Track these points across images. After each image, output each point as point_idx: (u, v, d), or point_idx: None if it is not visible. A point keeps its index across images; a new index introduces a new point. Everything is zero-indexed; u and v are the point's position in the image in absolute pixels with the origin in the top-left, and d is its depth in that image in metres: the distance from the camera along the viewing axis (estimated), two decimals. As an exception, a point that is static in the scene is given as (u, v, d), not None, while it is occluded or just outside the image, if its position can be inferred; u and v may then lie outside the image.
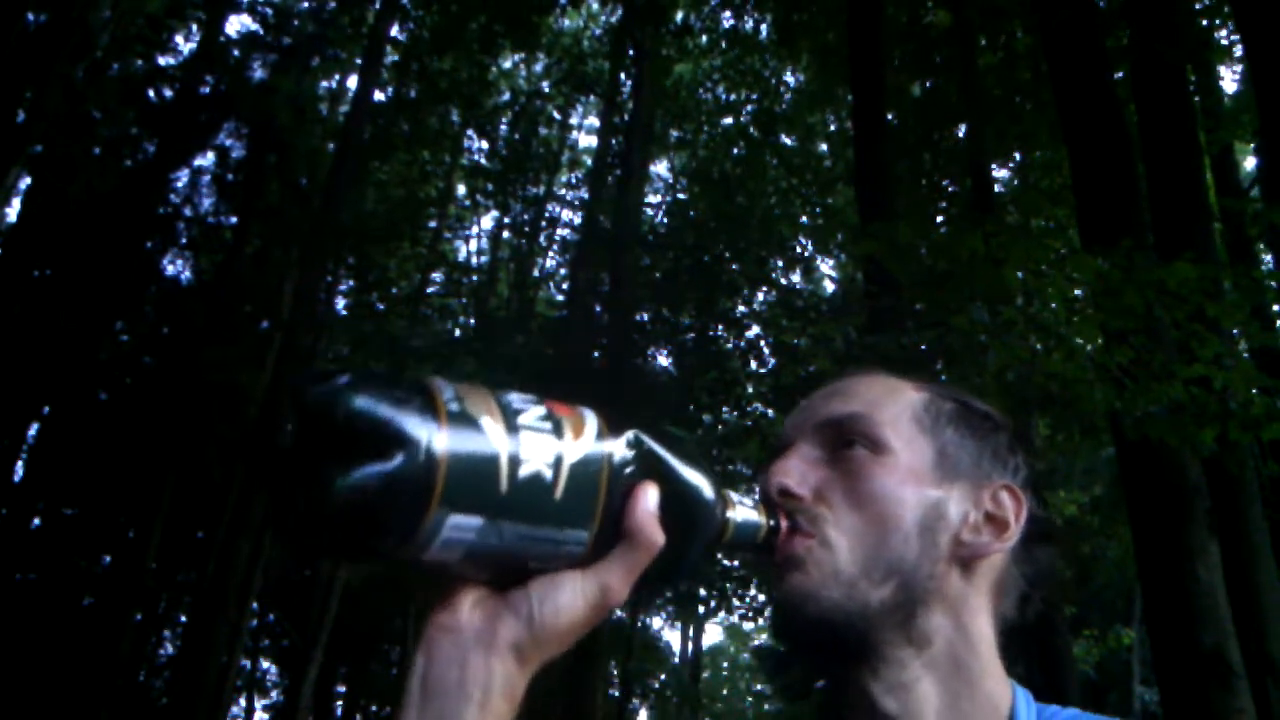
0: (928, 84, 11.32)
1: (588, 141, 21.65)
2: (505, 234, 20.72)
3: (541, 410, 0.59)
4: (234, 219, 16.35)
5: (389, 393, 0.53)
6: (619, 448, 0.62)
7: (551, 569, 0.61)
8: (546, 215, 19.76)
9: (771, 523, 0.74)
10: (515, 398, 0.59)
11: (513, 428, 0.57)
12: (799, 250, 16.69)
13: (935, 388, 0.87)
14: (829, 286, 18.38)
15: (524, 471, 0.56)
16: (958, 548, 0.79)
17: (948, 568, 0.79)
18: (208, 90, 15.87)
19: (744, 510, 0.71)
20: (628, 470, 0.62)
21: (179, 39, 16.49)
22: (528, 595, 0.61)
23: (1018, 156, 11.75)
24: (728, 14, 15.30)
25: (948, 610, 0.79)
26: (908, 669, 0.77)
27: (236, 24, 26.44)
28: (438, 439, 0.53)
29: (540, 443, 0.57)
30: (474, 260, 20.74)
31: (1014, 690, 0.81)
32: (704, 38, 15.66)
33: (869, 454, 0.80)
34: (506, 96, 19.11)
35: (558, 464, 0.58)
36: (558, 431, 0.59)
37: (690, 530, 0.66)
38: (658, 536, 0.62)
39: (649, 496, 0.62)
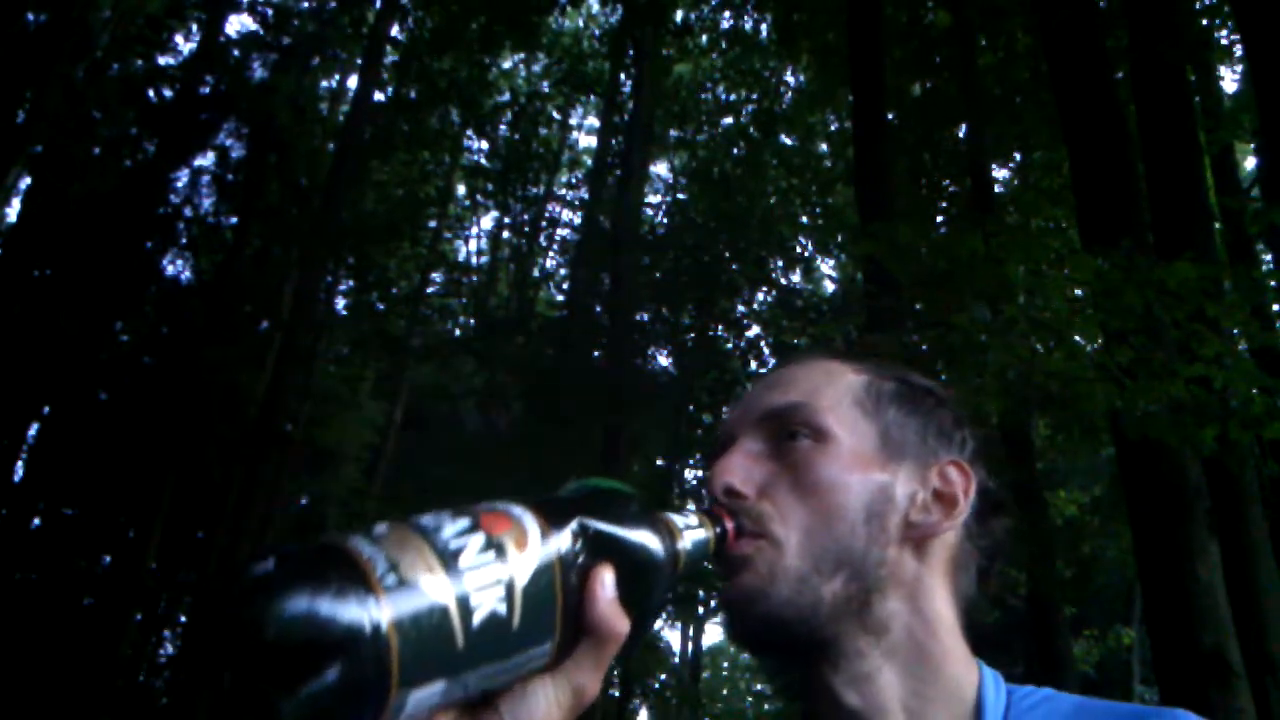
0: (928, 84, 11.32)
1: (588, 141, 21.68)
2: (505, 234, 20.73)
3: (480, 539, 0.54)
4: (234, 219, 16.36)
5: (317, 587, 0.48)
6: (565, 541, 0.57)
7: (518, 682, 0.57)
8: (546, 215, 19.78)
9: (718, 530, 0.72)
10: (449, 532, 0.53)
11: (455, 573, 0.52)
12: (799, 250, 16.68)
13: (875, 367, 0.85)
14: (829, 286, 18.39)
15: (478, 618, 0.52)
16: (908, 529, 0.78)
17: (899, 551, 0.77)
18: (208, 90, 15.88)
19: (690, 533, 0.68)
20: (579, 561, 0.58)
21: (179, 39, 16.52)
22: (499, 715, 0.57)
23: (1018, 157, 11.75)
24: (728, 14, 15.31)
25: (903, 595, 0.77)
26: (867, 659, 0.76)
27: (236, 24, 26.44)
28: (382, 620, 0.48)
29: (487, 577, 0.53)
30: (474, 260, 20.75)
31: (981, 671, 0.79)
32: (704, 38, 15.66)
33: (812, 443, 0.78)
34: (506, 96, 19.11)
35: (510, 593, 0.54)
36: (501, 555, 0.54)
37: (649, 593, 0.63)
38: (621, 625, 0.58)
39: (605, 585, 0.58)
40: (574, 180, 21.08)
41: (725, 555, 0.74)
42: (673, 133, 18.40)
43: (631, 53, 16.47)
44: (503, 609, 0.53)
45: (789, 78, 16.36)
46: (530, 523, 0.57)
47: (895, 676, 0.76)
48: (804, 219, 16.01)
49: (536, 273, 20.41)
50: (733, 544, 0.74)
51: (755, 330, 14.72)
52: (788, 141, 16.45)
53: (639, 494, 0.64)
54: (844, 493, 0.76)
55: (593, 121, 20.94)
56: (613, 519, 0.61)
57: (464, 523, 0.54)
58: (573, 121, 21.42)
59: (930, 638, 0.77)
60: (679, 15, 13.90)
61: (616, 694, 18.30)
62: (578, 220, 19.03)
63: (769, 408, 0.81)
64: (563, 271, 19.72)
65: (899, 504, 0.78)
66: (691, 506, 0.73)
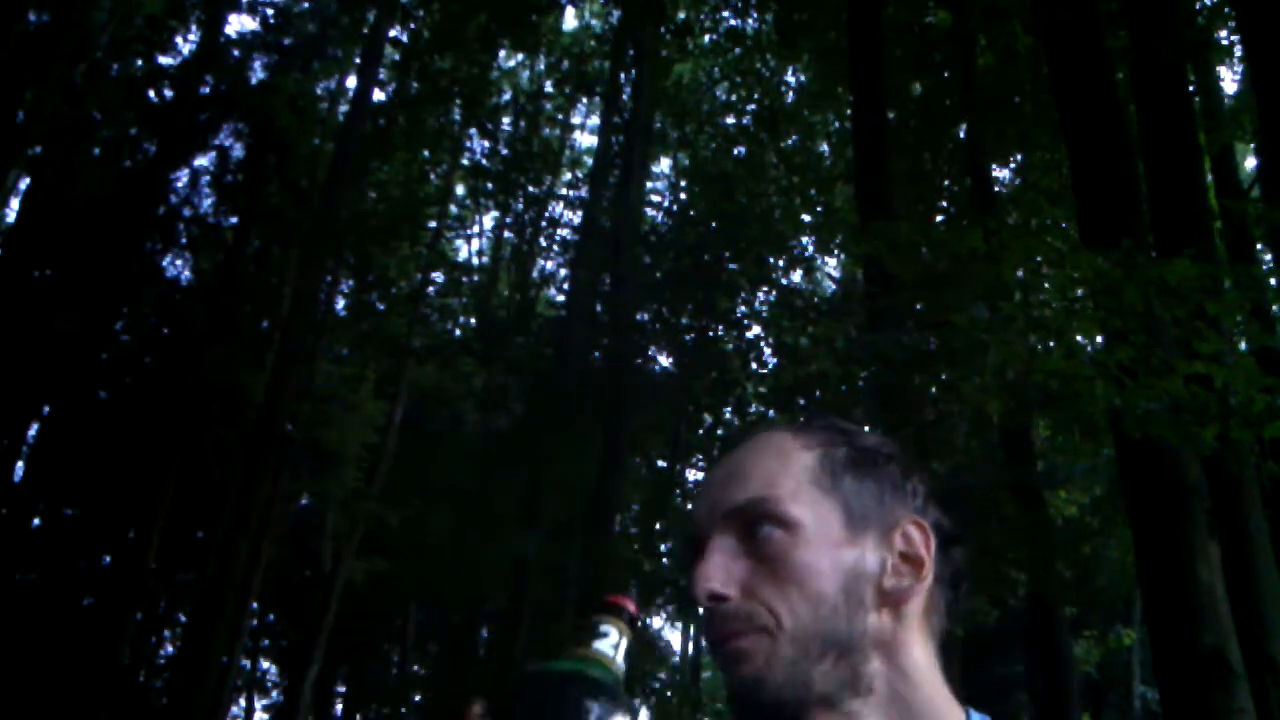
0: (930, 82, 11.31)
1: (588, 141, 21.66)
2: (506, 234, 20.71)
3: None
4: (234, 219, 16.36)
5: None
6: None
7: None
8: (547, 215, 19.75)
9: (625, 618, 0.86)
10: None
11: None
12: (799, 250, 16.67)
13: (823, 435, 0.87)
14: (829, 286, 18.37)
15: None
16: (883, 597, 0.81)
17: (877, 617, 0.81)
18: (208, 90, 15.88)
19: (617, 654, 0.82)
20: None
21: (179, 39, 16.49)
22: None
23: (1018, 156, 11.73)
24: (727, 13, 15.29)
25: (883, 654, 0.81)
26: (858, 718, 0.79)
27: (237, 24, 26.42)
28: None
29: None
30: (474, 260, 20.74)
31: (969, 714, 0.82)
32: (705, 38, 15.65)
33: (782, 534, 0.81)
34: (507, 96, 19.08)
35: None
36: None
37: None
38: None
39: None
40: (575, 180, 21.07)
41: (724, 650, 0.79)
42: (673, 132, 18.39)
43: (632, 52, 16.46)
44: None
45: (789, 77, 16.34)
46: None
47: None
48: (805, 218, 16.00)
49: (536, 273, 20.40)
50: (731, 639, 0.79)
51: (755, 330, 14.72)
52: (789, 140, 16.43)
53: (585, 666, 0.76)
54: (820, 578, 0.79)
55: (594, 121, 20.94)
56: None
57: None
58: (574, 121, 21.42)
59: (913, 690, 0.80)
60: (680, 15, 13.87)
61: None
62: (578, 220, 19.00)
63: (732, 505, 0.83)
64: (563, 271, 19.71)
65: (871, 574, 0.81)
66: (596, 620, 0.86)
